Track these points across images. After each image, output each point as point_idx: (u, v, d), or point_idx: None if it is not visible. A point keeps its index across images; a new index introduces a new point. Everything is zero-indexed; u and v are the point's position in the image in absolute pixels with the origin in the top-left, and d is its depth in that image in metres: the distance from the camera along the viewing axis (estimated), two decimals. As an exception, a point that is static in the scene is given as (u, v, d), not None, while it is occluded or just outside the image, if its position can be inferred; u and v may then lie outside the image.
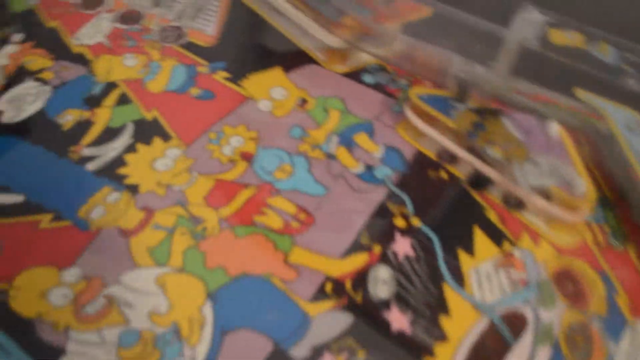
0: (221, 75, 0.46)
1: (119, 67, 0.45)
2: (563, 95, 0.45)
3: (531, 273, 0.38)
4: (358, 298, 0.35)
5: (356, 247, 0.37)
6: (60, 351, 0.32)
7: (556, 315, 0.36)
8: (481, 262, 0.38)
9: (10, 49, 0.45)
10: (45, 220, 0.36)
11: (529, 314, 0.36)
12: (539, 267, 0.38)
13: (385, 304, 0.35)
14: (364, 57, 0.48)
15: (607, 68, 0.47)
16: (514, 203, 0.40)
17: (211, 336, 0.33)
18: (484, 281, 0.37)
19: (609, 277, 0.39)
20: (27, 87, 0.43)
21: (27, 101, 0.42)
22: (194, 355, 0.32)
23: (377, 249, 0.37)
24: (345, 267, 0.37)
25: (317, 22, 0.47)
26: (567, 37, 0.48)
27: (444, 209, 0.40)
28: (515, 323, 0.36)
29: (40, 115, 0.42)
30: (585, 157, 0.44)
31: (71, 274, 0.34)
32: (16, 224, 0.36)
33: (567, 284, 0.38)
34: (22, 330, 0.32)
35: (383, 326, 0.35)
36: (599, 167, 0.44)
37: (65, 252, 0.35)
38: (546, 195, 0.39)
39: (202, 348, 0.33)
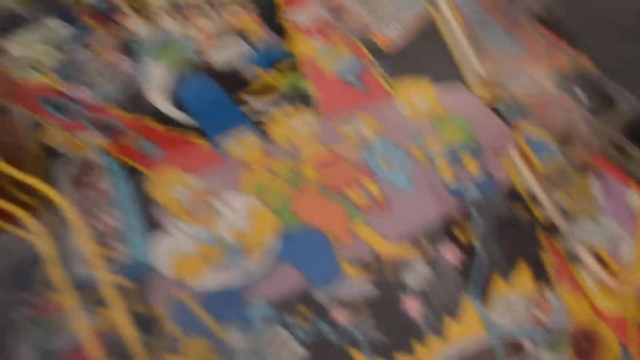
0: (379, 72, 0.54)
1: (305, 45, 0.56)
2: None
3: (554, 320, 0.41)
4: (389, 276, 0.42)
5: (411, 240, 0.44)
6: (164, 230, 0.44)
7: (555, 361, 0.39)
8: (513, 291, 0.42)
9: (237, 9, 0.58)
10: (196, 138, 0.49)
11: (529, 349, 0.40)
12: (566, 318, 0.41)
13: (408, 289, 0.42)
14: (510, 91, 0.52)
15: None
16: (572, 254, 0.43)
17: (265, 259, 0.43)
18: (505, 308, 0.41)
19: (630, 356, 0.40)
20: (234, 42, 0.56)
21: (229, 53, 0.55)
22: (248, 267, 0.42)
23: (427, 248, 0.43)
24: (394, 251, 0.43)
25: (473, 48, 0.52)
26: None
27: (507, 238, 0.44)
28: (513, 351, 0.40)
29: (232, 64, 0.54)
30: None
31: (196, 181, 0.46)
32: (178, 136, 0.49)
33: (584, 343, 0.40)
34: (148, 203, 0.45)
35: (395, 304, 0.41)
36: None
37: (198, 164, 0.47)
38: (601, 258, 0.41)
39: (255, 265, 0.42)
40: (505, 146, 0.49)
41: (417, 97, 0.52)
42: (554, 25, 0.52)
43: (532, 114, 0.50)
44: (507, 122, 0.50)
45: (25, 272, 0.41)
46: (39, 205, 0.44)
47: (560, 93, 0.48)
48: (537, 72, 0.50)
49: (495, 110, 0.51)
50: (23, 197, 0.44)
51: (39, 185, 0.43)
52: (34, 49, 0.56)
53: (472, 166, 0.48)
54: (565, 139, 0.45)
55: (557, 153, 0.45)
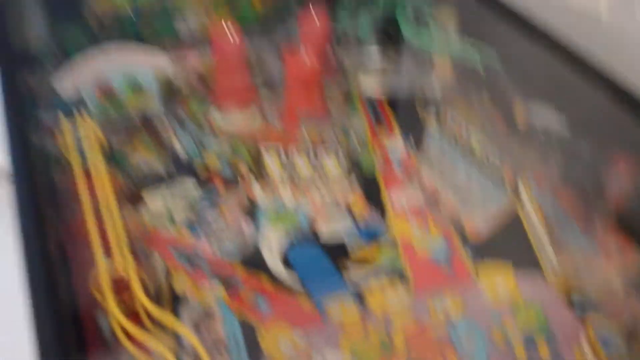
0: (466, 257, 0.61)
1: (402, 225, 0.64)
2: None
3: None
4: None
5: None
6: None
7: None
8: None
9: (345, 187, 0.68)
10: (302, 298, 0.57)
11: None
12: None
13: None
14: (583, 285, 0.58)
15: None
16: None
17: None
18: None
19: None
20: (341, 216, 0.65)
21: (335, 225, 0.64)
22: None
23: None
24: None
25: (551, 242, 0.60)
26: None
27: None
28: None
29: (337, 236, 0.63)
30: None
31: (299, 336, 0.53)
32: (286, 295, 0.57)
33: None
34: (256, 352, 0.52)
35: None
36: None
37: (301, 322, 0.55)
38: None
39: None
40: (576, 336, 0.54)
41: (498, 282, 0.59)
42: (627, 230, 0.59)
43: (602, 308, 0.56)
44: (579, 313, 0.56)
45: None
46: (168, 340, 0.52)
47: (629, 292, 0.54)
48: (607, 270, 0.57)
49: (569, 301, 0.57)
50: (156, 330, 0.52)
51: (172, 321, 0.52)
52: (169, 204, 0.66)
53: (544, 352, 0.53)
54: (631, 335, 0.51)
55: (623, 347, 0.51)
